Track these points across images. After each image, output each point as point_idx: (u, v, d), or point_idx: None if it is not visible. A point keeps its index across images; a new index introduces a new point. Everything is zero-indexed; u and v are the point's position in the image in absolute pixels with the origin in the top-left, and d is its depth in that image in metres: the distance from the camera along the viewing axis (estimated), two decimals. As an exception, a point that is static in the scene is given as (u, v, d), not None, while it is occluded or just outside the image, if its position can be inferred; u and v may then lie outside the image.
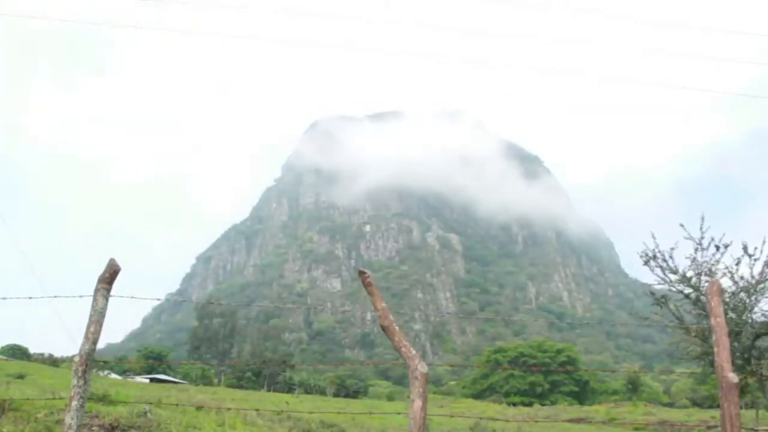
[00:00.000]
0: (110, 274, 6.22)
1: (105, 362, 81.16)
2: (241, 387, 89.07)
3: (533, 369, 44.94)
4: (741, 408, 6.20)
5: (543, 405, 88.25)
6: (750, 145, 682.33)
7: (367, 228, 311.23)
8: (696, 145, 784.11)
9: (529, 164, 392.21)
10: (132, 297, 7.01)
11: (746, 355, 21.78)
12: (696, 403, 74.47)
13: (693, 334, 23.60)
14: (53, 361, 71.10)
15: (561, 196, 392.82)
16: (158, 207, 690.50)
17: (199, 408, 12.03)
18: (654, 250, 23.55)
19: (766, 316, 22.18)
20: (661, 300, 23.80)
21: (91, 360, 5.94)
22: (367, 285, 6.19)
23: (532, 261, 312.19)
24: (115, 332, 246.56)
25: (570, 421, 41.47)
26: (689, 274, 22.73)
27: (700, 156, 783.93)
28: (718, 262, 22.21)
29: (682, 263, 23.12)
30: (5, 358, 76.63)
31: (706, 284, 15.56)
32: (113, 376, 75.30)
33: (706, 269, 22.31)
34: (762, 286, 21.75)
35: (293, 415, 15.20)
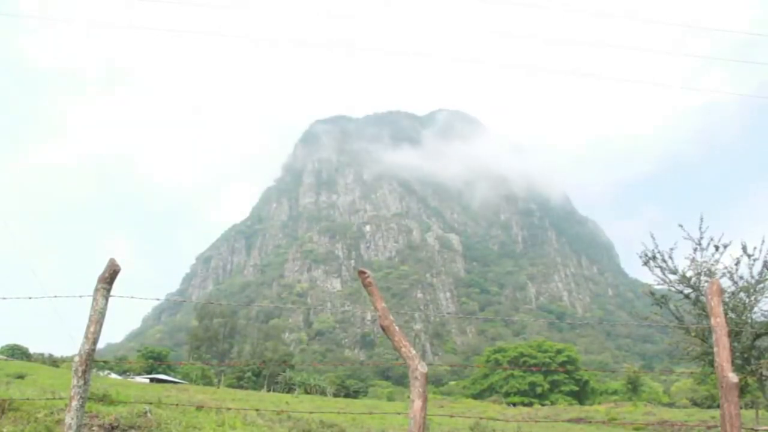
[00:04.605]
0: (110, 274, 6.22)
1: (105, 362, 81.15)
2: (241, 387, 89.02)
3: (533, 369, 44.57)
4: (741, 408, 6.20)
5: (543, 405, 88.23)
6: (742, 113, 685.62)
7: (367, 228, 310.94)
8: (687, 112, 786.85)
9: (518, 153, 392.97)
10: (132, 297, 7.01)
11: (746, 355, 21.77)
12: (696, 403, 74.32)
13: (693, 334, 23.61)
14: (53, 361, 71.05)
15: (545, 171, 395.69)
16: (158, 207, 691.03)
17: (199, 408, 12.03)
18: (653, 250, 23.56)
19: (765, 316, 22.18)
20: (661, 300, 23.81)
21: (91, 360, 5.94)
22: (367, 285, 6.20)
23: (532, 261, 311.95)
24: (115, 332, 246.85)
25: (570, 421, 41.46)
26: (689, 274, 22.74)
27: (690, 126, 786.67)
28: (717, 262, 22.22)
29: (682, 263, 23.14)
30: (5, 358, 76.61)
31: (706, 284, 15.56)
32: (113, 376, 75.29)
33: (705, 269, 22.31)
34: (761, 286, 21.75)
35: (293, 415, 15.19)
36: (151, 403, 11.38)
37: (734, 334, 21.04)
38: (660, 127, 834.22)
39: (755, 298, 21.86)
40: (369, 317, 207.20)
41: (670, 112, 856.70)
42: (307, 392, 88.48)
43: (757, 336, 21.68)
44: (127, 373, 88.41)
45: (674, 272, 23.11)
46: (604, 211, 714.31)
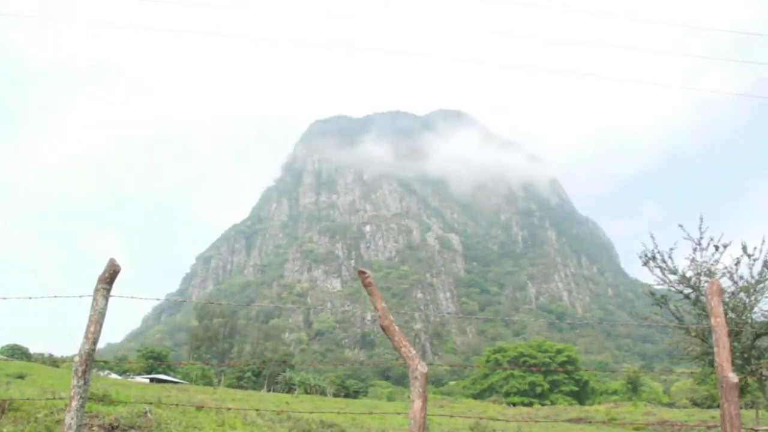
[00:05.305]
0: (110, 274, 6.22)
1: (105, 362, 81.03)
2: (241, 387, 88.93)
3: (533, 369, 44.70)
4: (741, 408, 6.20)
5: (543, 405, 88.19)
6: (741, 109, 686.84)
7: (367, 228, 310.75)
8: (685, 110, 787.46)
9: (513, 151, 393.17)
10: (132, 297, 7.01)
11: (746, 355, 21.77)
12: (696, 403, 74.32)
13: (693, 334, 23.61)
14: (53, 361, 71.00)
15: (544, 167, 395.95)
16: (158, 207, 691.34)
17: (199, 408, 12.02)
18: (653, 250, 23.55)
19: (765, 316, 22.17)
20: (661, 300, 23.81)
21: (91, 360, 5.94)
22: (367, 285, 6.20)
23: (532, 261, 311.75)
24: (115, 332, 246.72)
25: (570, 421, 41.47)
26: (689, 274, 22.74)
27: (689, 122, 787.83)
28: (717, 262, 22.22)
29: (682, 263, 23.14)
30: (5, 358, 76.57)
31: (706, 284, 15.56)
32: (113, 376, 75.23)
33: (705, 269, 22.30)
34: (761, 286, 21.75)
35: (293, 415, 15.19)
36: (151, 403, 11.37)
37: (734, 334, 21.03)
38: (660, 124, 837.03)
39: (755, 298, 21.85)
40: (369, 317, 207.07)
41: (669, 109, 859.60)
42: (307, 392, 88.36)
43: (757, 336, 21.68)
44: (127, 373, 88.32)
45: (674, 272, 23.11)
46: (603, 210, 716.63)
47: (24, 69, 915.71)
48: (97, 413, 9.66)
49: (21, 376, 37.11)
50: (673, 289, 23.32)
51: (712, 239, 22.42)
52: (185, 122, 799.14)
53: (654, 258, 23.43)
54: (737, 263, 22.21)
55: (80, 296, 6.44)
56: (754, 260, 21.97)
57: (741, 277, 22.11)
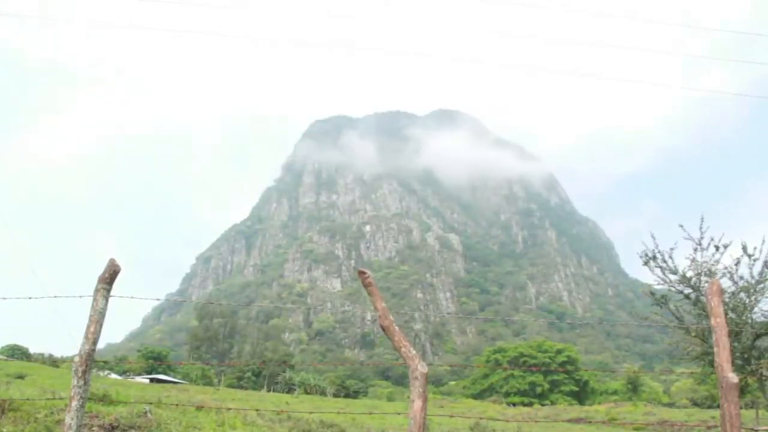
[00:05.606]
0: (110, 274, 6.22)
1: (105, 362, 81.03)
2: (241, 387, 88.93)
3: (533, 369, 44.76)
4: (741, 408, 6.19)
5: (543, 405, 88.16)
6: (740, 107, 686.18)
7: (367, 228, 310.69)
8: (685, 109, 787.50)
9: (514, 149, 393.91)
10: (132, 297, 7.01)
11: (746, 355, 21.76)
12: (696, 403, 74.31)
13: (693, 334, 23.61)
14: (53, 361, 70.97)
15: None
16: (158, 206, 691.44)
17: (199, 408, 12.02)
18: (654, 250, 23.55)
19: (766, 316, 22.17)
20: (661, 300, 23.80)
21: (91, 360, 5.94)
22: (367, 285, 6.19)
23: (532, 261, 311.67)
24: (115, 332, 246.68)
25: (570, 421, 41.46)
26: (689, 274, 22.73)
27: (688, 122, 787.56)
28: (717, 262, 22.22)
29: (682, 263, 23.14)
30: (5, 358, 76.57)
31: (706, 284, 15.56)
32: (113, 376, 75.22)
33: (705, 269, 22.30)
34: (762, 286, 21.74)
35: (293, 415, 15.18)
36: (151, 403, 11.37)
37: (734, 334, 21.03)
38: (659, 123, 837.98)
39: (755, 298, 21.85)
40: (369, 317, 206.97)
41: (669, 108, 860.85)
42: (307, 392, 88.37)
43: (757, 336, 21.68)
44: (127, 373, 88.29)
45: (674, 272, 23.10)
46: (603, 210, 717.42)
47: (23, 68, 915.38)
48: (97, 413, 9.66)
49: (21, 376, 37.11)
50: (673, 289, 23.31)
51: (712, 239, 22.43)
52: (185, 122, 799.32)
53: (654, 258, 23.42)
54: (737, 263, 22.22)
55: (80, 296, 6.44)
56: (754, 260, 21.98)
57: (741, 277, 22.12)
